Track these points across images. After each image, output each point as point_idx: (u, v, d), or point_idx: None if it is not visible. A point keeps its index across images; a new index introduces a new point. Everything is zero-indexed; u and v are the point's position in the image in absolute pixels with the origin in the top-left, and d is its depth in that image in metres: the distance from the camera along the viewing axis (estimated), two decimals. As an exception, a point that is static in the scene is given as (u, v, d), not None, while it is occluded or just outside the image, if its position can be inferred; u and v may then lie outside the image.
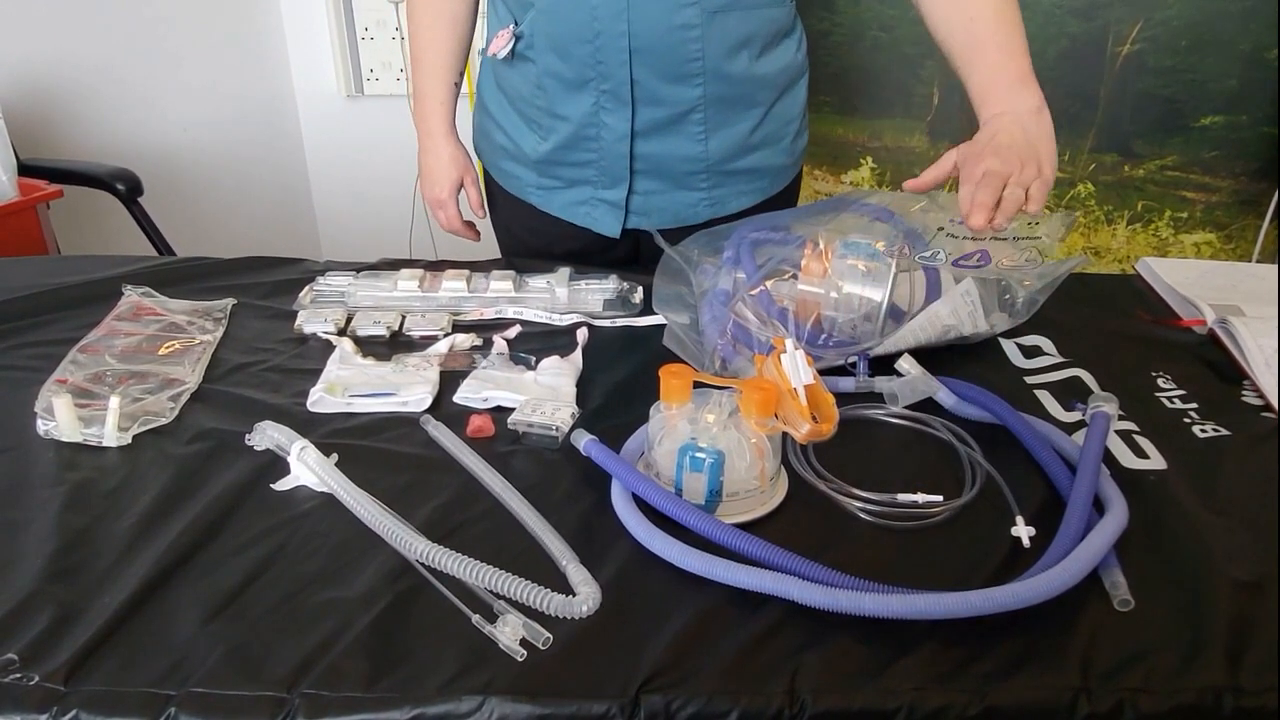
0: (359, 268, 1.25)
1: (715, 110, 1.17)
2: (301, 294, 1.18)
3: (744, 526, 0.75)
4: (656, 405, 0.81)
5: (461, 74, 1.32)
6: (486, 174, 1.37)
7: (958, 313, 1.02)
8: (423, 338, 1.09)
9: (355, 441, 0.88)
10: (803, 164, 1.35)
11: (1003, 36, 1.01)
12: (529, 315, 1.14)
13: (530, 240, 1.34)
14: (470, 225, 1.37)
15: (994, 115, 0.97)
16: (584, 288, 1.19)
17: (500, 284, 1.18)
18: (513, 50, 1.19)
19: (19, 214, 1.68)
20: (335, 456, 0.84)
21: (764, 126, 1.22)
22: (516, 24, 1.18)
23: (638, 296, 1.18)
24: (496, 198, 1.37)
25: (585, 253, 1.30)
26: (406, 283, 1.18)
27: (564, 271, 1.20)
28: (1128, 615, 0.67)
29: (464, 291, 1.17)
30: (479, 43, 1.31)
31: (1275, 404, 0.95)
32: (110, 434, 0.88)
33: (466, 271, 1.20)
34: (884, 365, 0.98)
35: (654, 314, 1.12)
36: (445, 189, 1.32)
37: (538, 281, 1.20)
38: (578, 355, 1.03)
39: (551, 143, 1.22)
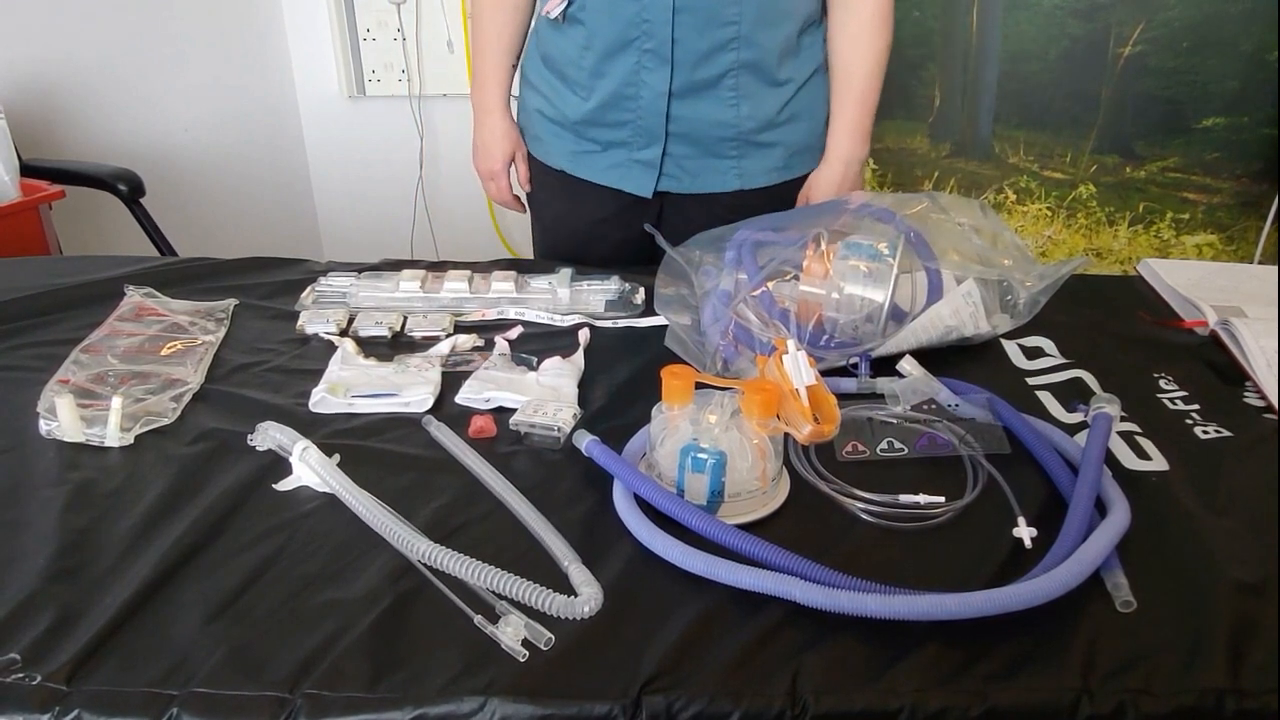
0: (361, 268, 1.25)
1: (746, 78, 1.24)
2: (303, 294, 1.19)
3: (746, 527, 0.75)
4: (658, 406, 0.81)
5: (519, 56, 1.39)
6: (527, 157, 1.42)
7: (959, 314, 1.02)
8: (424, 338, 1.09)
9: (357, 442, 0.88)
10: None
11: (867, 93, 1.29)
12: (531, 316, 1.14)
13: (563, 213, 1.41)
14: (518, 198, 1.47)
15: (836, 162, 1.33)
16: (585, 288, 1.19)
17: (502, 285, 1.18)
18: (564, 12, 1.25)
19: (21, 214, 1.68)
20: (337, 457, 0.84)
21: (792, 104, 1.29)
22: None
23: (639, 297, 1.18)
24: (533, 182, 1.43)
25: (611, 219, 1.36)
26: (408, 283, 1.18)
27: (566, 272, 1.20)
28: (1129, 616, 0.67)
29: (466, 292, 1.18)
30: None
31: (1277, 405, 0.95)
32: (112, 434, 0.88)
33: (468, 272, 1.20)
34: (886, 366, 0.98)
35: (656, 315, 1.12)
36: (499, 161, 1.41)
37: (539, 282, 1.20)
38: (579, 356, 1.04)
39: (593, 102, 1.28)
